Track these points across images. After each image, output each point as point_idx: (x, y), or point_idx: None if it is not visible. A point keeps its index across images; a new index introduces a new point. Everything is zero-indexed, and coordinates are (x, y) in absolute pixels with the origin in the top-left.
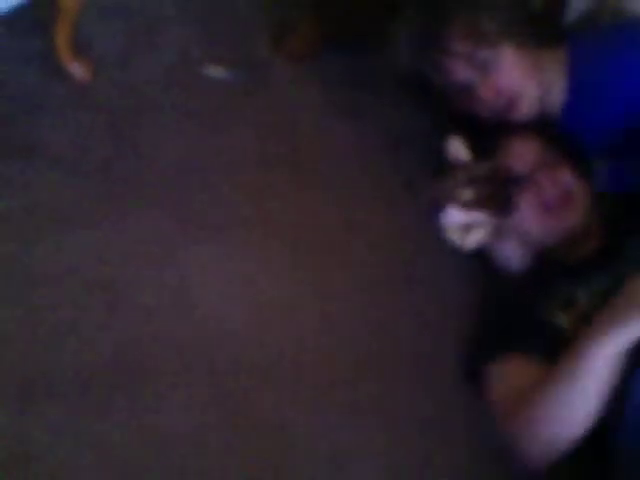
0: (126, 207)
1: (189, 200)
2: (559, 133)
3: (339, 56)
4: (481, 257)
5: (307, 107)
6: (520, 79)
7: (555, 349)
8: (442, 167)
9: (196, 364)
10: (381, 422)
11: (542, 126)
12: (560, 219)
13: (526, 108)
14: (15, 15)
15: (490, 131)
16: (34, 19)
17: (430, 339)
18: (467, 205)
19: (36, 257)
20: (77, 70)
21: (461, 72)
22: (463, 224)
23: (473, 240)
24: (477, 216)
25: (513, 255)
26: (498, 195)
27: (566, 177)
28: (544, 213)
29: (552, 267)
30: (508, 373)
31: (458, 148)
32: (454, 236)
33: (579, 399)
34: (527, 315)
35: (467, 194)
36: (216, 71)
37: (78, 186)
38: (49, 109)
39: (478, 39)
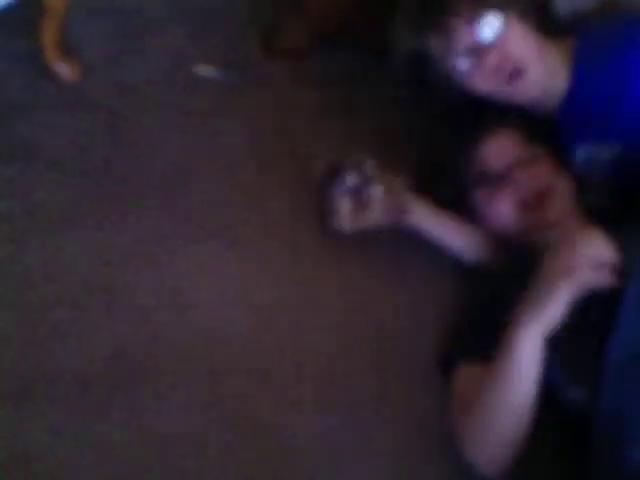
0: (124, 207)
1: (188, 200)
2: (540, 125)
3: (334, 54)
4: None
5: (302, 106)
6: (525, 50)
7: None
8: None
9: (195, 364)
10: (381, 422)
11: (525, 121)
12: (538, 216)
13: (530, 84)
14: (3, 15)
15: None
16: (23, 19)
17: (429, 339)
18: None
19: (34, 257)
20: (63, 70)
21: (465, 36)
22: (356, 200)
23: (365, 219)
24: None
25: (459, 244)
26: None
27: (544, 173)
28: (522, 211)
29: (535, 257)
30: (468, 380)
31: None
32: (343, 211)
33: (514, 394)
34: (509, 309)
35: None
36: (207, 70)
37: (75, 186)
38: (42, 109)
39: (483, 3)
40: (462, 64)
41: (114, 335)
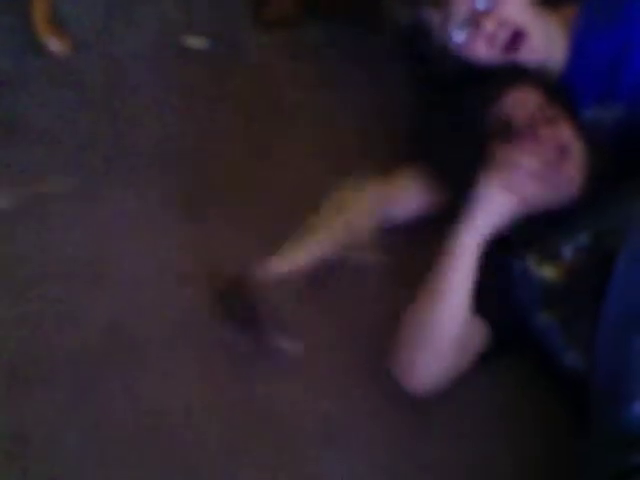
0: (113, 181)
1: (177, 177)
2: (559, 90)
3: (329, 27)
4: None
5: (297, 80)
6: (522, 15)
7: (541, 301)
8: None
9: (190, 339)
10: (383, 421)
11: (543, 83)
12: (557, 176)
13: (531, 47)
14: None
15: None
16: None
17: None
18: None
19: (24, 232)
20: (55, 45)
21: (462, 6)
22: None
23: None
24: None
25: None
26: None
27: (566, 134)
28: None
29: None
30: None
31: None
32: None
33: (446, 302)
34: (505, 268)
35: None
36: (197, 42)
37: (64, 161)
38: (32, 84)
39: None
40: (459, 36)
41: (106, 311)
